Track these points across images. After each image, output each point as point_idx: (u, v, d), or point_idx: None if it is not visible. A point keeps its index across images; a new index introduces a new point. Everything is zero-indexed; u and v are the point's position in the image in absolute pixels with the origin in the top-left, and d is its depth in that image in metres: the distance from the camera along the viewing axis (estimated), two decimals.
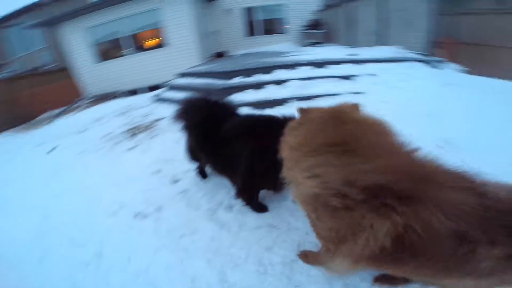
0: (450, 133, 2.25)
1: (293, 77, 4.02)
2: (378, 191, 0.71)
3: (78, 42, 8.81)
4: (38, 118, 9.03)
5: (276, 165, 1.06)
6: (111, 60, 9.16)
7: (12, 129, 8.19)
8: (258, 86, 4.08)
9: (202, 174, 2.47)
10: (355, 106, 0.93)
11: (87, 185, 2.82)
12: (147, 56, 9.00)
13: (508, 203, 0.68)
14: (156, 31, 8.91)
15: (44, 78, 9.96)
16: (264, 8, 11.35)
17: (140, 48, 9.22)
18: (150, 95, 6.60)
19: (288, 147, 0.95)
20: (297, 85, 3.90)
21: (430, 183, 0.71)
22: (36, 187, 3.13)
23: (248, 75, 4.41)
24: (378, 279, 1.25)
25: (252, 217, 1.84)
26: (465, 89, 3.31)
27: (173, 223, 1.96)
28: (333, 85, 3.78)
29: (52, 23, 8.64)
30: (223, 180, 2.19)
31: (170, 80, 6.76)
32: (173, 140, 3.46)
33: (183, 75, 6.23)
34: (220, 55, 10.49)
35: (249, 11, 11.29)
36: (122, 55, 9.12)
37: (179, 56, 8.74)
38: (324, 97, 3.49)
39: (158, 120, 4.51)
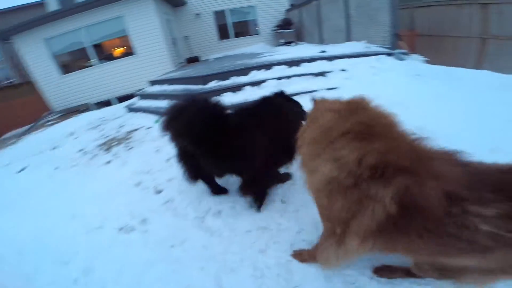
0: (424, 121, 2.36)
1: (270, 77, 4.06)
2: (382, 167, 0.84)
3: (37, 55, 8.22)
4: (1, 138, 8.36)
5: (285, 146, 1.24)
6: (77, 71, 8.69)
7: None
8: (236, 88, 4.07)
9: (218, 189, 2.17)
10: (365, 99, 1.04)
11: (66, 201, 2.68)
12: (116, 65, 8.65)
13: (488, 169, 0.82)
14: (123, 39, 8.60)
15: (3, 95, 9.16)
16: (234, 11, 11.39)
17: (108, 57, 8.85)
18: (122, 106, 6.33)
19: (308, 141, 1.05)
20: (274, 84, 3.94)
21: (423, 160, 0.85)
22: (6, 208, 2.90)
23: (225, 78, 4.38)
24: (378, 270, 1.28)
25: (242, 221, 1.83)
26: (430, 78, 3.55)
27: (161, 234, 1.90)
28: (309, 82, 3.88)
29: (6, 36, 7.97)
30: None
31: (142, 89, 6.52)
32: (151, 151, 3.36)
33: (156, 82, 6.04)
34: (193, 60, 10.33)
35: (219, 14, 11.26)
36: (89, 66, 8.68)
37: (149, 63, 8.50)
38: (302, 94, 3.56)
39: (133, 131, 4.34)
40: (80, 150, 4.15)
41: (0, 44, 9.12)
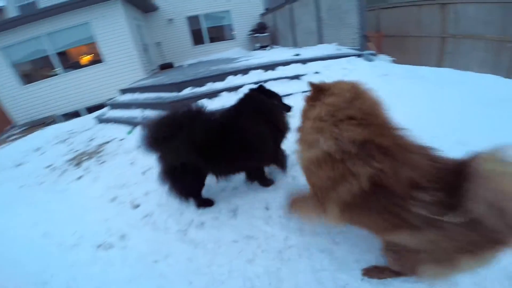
0: (397, 119, 2.50)
1: (247, 82, 4.05)
2: (367, 146, 0.99)
3: None
4: None
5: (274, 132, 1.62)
6: (41, 81, 8.09)
7: None
8: (212, 95, 4.00)
9: (204, 201, 2.10)
10: (361, 85, 1.19)
11: (37, 220, 2.52)
12: (84, 74, 8.18)
13: (448, 163, 0.95)
14: (90, 46, 8.17)
15: None
16: (209, 16, 11.32)
17: (75, 66, 8.34)
18: (92, 117, 5.99)
19: (313, 117, 1.16)
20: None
21: (403, 149, 0.99)
22: None
23: (200, 85, 4.29)
24: (368, 271, 1.30)
25: (227, 232, 1.78)
26: (397, 77, 3.75)
27: (142, 249, 1.83)
28: (285, 86, 3.92)
29: None
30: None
31: (113, 98, 6.22)
32: (125, 164, 3.22)
33: (127, 91, 5.78)
34: (166, 66, 10.07)
35: (193, 19, 11.13)
36: (54, 75, 8.13)
37: (120, 71, 8.15)
38: None
39: (105, 143, 4.11)
40: (48, 166, 3.89)
41: None
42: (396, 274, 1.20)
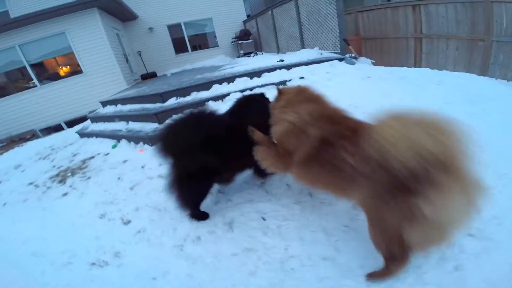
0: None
1: (233, 90, 4.02)
2: (319, 118, 1.42)
3: None
4: None
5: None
6: (17, 93, 7.72)
7: None
8: (198, 104, 3.93)
9: (201, 214, 2.05)
10: (306, 86, 1.70)
11: (24, 239, 2.41)
12: (63, 86, 7.89)
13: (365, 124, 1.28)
14: (68, 57, 7.90)
15: None
16: (190, 24, 11.26)
17: (53, 77, 8.00)
18: (74, 131, 5.75)
19: (279, 107, 1.64)
20: (238, 97, 3.90)
21: (342, 118, 1.42)
22: None
23: (185, 94, 4.22)
24: (371, 275, 1.30)
25: (225, 245, 1.73)
26: (379, 79, 3.87)
27: (139, 267, 1.76)
28: (271, 92, 3.91)
29: None
30: (180, 212, 2.05)
31: (94, 110, 6.00)
32: (111, 179, 3.09)
33: (108, 102, 5.58)
34: (149, 76, 9.88)
35: (174, 28, 11.04)
36: (31, 87, 7.77)
37: (100, 81, 7.93)
38: None
39: (89, 159, 3.93)
40: (30, 184, 3.70)
41: None
42: (389, 266, 1.23)
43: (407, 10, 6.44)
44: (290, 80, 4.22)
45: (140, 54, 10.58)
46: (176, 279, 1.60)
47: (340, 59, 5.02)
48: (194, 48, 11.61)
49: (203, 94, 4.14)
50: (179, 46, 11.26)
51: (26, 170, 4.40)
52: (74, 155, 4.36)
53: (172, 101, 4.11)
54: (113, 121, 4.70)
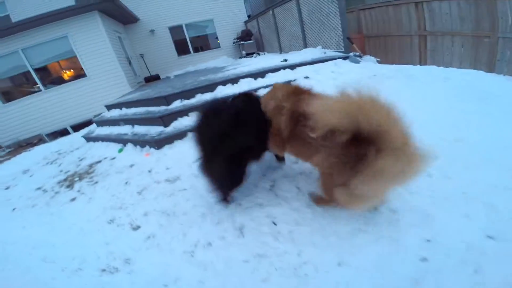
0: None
1: (237, 92, 3.99)
2: (289, 94, 1.82)
3: None
4: None
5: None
6: (23, 98, 7.76)
7: None
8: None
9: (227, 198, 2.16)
10: (289, 84, 2.08)
11: (33, 244, 2.41)
12: (67, 90, 7.92)
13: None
14: (71, 60, 7.94)
15: None
16: (191, 25, 11.26)
17: (57, 81, 8.03)
18: (80, 135, 5.79)
19: (267, 98, 2.01)
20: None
21: (303, 91, 1.81)
22: None
23: (189, 97, 4.21)
24: (316, 200, 1.87)
25: (236, 251, 1.71)
26: (385, 78, 3.82)
27: (150, 273, 1.75)
28: None
29: None
30: (189, 217, 2.06)
31: (99, 114, 6.02)
32: (119, 184, 3.09)
33: (112, 106, 5.59)
34: (152, 78, 9.90)
35: (175, 29, 11.05)
36: (36, 91, 7.81)
37: (104, 85, 7.96)
38: None
39: (95, 163, 3.95)
40: (39, 188, 3.72)
41: None
42: (327, 202, 1.69)
43: (409, 7, 6.37)
44: (294, 80, 4.19)
45: (142, 57, 10.61)
46: (188, 286, 1.58)
47: (345, 58, 4.96)
48: (196, 50, 11.62)
49: (208, 96, 4.12)
50: (181, 48, 11.28)
51: (34, 175, 4.44)
52: (81, 159, 4.38)
53: (176, 104, 4.11)
54: (118, 124, 4.71)
